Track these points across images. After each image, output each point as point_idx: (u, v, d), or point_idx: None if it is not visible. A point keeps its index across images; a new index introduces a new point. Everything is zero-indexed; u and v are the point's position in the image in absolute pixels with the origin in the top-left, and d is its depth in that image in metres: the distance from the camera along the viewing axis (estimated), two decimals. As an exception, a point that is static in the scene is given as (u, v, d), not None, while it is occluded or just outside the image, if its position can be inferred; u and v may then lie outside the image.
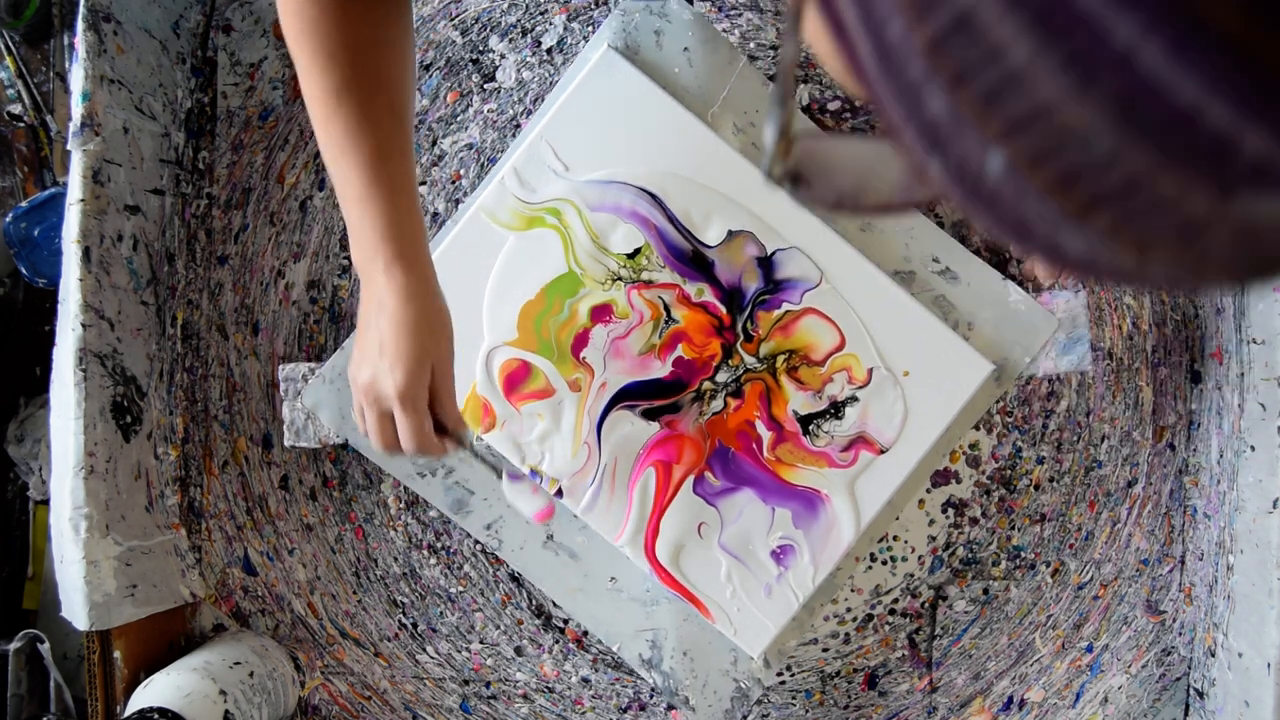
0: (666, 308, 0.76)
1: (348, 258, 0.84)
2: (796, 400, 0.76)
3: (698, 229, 0.76)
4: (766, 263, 0.76)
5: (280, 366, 0.79)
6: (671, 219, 0.76)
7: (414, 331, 0.59)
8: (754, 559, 0.76)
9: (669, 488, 0.76)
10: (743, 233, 0.76)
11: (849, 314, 0.76)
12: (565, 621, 0.84)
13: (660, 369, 0.76)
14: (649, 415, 0.76)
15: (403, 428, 0.60)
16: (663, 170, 0.75)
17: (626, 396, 0.76)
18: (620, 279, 0.76)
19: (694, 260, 0.76)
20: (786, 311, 0.76)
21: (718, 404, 0.76)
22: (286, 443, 0.79)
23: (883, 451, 0.76)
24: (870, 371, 0.76)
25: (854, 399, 0.76)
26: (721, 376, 0.76)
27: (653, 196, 0.75)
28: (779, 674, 0.83)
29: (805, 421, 0.76)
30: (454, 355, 0.62)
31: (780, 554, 0.76)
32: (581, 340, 0.76)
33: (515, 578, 0.82)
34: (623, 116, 0.75)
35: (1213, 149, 0.17)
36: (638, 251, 0.76)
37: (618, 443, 0.76)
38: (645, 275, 0.76)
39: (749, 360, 0.76)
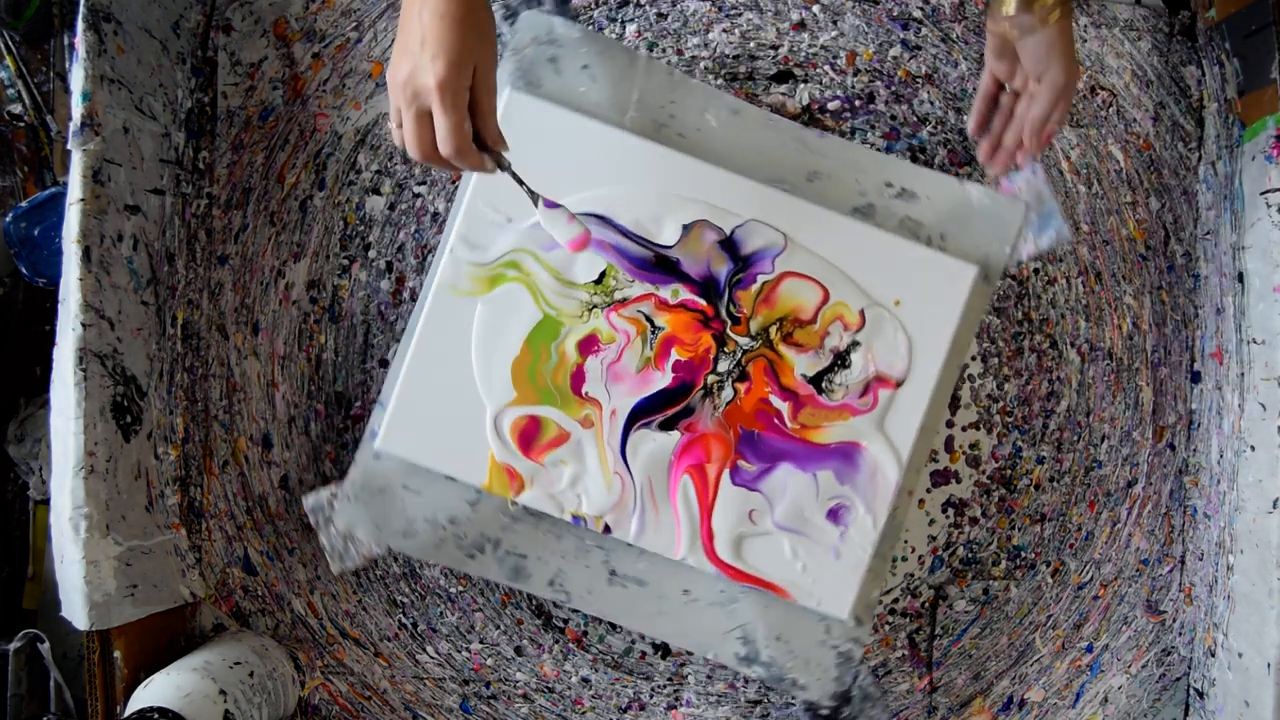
0: (648, 319, 0.76)
1: (348, 258, 0.84)
2: (800, 364, 0.76)
3: (653, 234, 0.76)
4: (729, 243, 0.76)
5: (304, 498, 0.79)
6: (625, 233, 0.76)
7: (459, 23, 0.57)
8: (812, 527, 0.76)
9: (709, 488, 0.76)
10: (696, 223, 0.76)
11: (823, 265, 0.76)
12: (565, 621, 0.84)
13: (662, 379, 0.76)
14: (666, 426, 0.76)
15: (441, 127, 0.57)
16: (602, 189, 0.76)
17: (639, 415, 0.76)
18: (595, 306, 0.76)
19: (659, 265, 0.76)
20: (763, 283, 0.76)
21: (728, 393, 0.76)
22: (335, 571, 0.79)
23: (899, 384, 0.76)
24: (862, 312, 0.76)
25: (855, 344, 0.76)
26: (722, 366, 0.76)
27: (600, 218, 0.75)
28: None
29: (816, 381, 0.76)
30: (496, 61, 0.60)
31: (835, 514, 0.76)
32: (578, 377, 0.76)
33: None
34: (547, 151, 0.75)
35: None
36: (603, 275, 0.76)
37: (646, 462, 0.76)
38: (618, 295, 0.76)
39: (743, 341, 0.76)
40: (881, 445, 0.76)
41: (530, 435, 0.76)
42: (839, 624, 0.77)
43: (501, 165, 0.63)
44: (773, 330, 0.76)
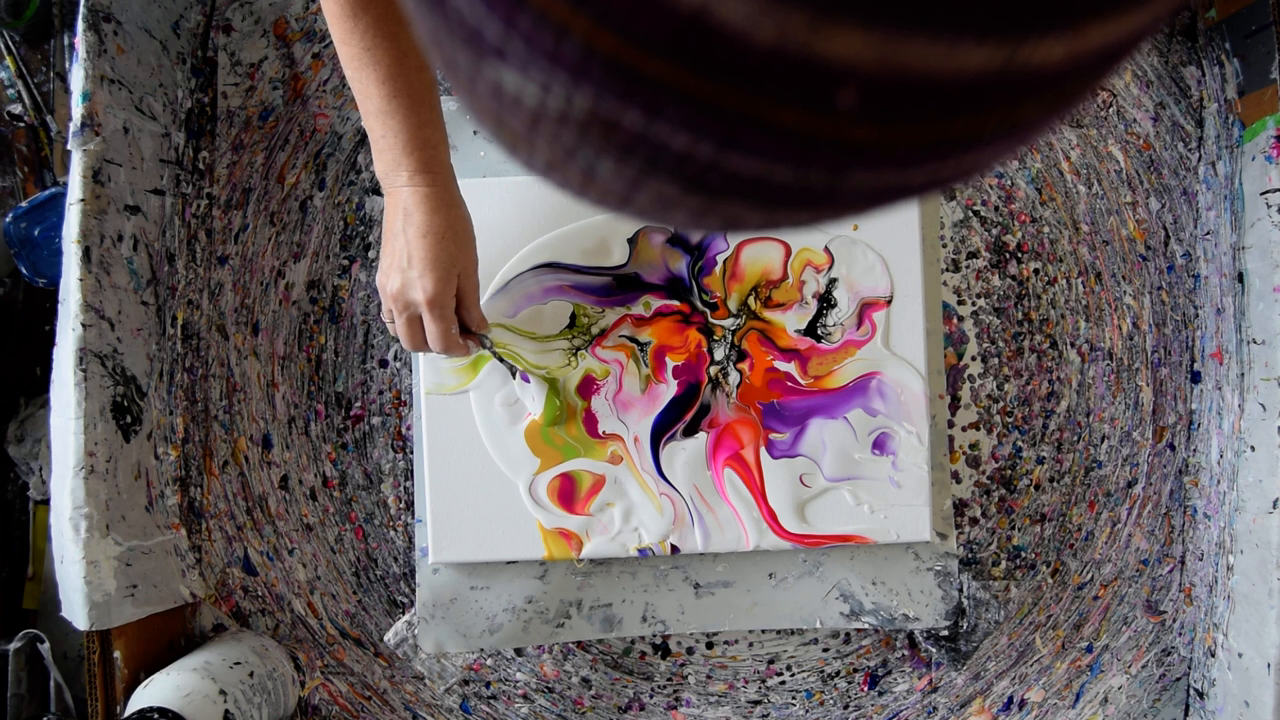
0: (633, 339, 0.76)
1: (348, 258, 0.84)
2: (790, 321, 0.77)
3: (603, 260, 0.76)
4: (677, 238, 0.77)
5: (386, 637, 0.80)
6: (577, 269, 0.76)
7: (441, 240, 0.62)
8: (863, 467, 0.76)
9: (752, 472, 0.76)
10: (639, 233, 0.76)
11: None
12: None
13: (668, 389, 0.76)
14: (690, 431, 0.76)
15: (431, 332, 0.64)
16: (537, 240, 0.76)
17: (661, 431, 0.76)
18: (579, 349, 0.76)
19: (621, 285, 0.76)
20: (724, 261, 0.77)
21: (734, 376, 0.77)
22: (440, 691, 0.82)
23: (889, 301, 0.77)
24: (827, 250, 0.77)
25: (833, 281, 0.77)
26: (719, 354, 0.77)
27: (547, 265, 0.76)
28: (781, 676, 0.83)
29: (811, 332, 0.77)
30: (477, 261, 0.66)
31: (879, 445, 0.76)
32: (590, 420, 0.76)
33: (515, 578, 0.82)
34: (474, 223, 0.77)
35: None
36: (574, 318, 0.76)
37: (685, 472, 0.76)
38: (595, 330, 0.76)
39: (728, 323, 0.77)
40: (896, 365, 0.76)
41: (568, 492, 0.76)
42: (925, 546, 0.79)
43: (485, 347, 0.70)
44: (751, 301, 0.77)
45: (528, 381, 0.75)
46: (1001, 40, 0.16)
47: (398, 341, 0.67)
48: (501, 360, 0.74)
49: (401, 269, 0.63)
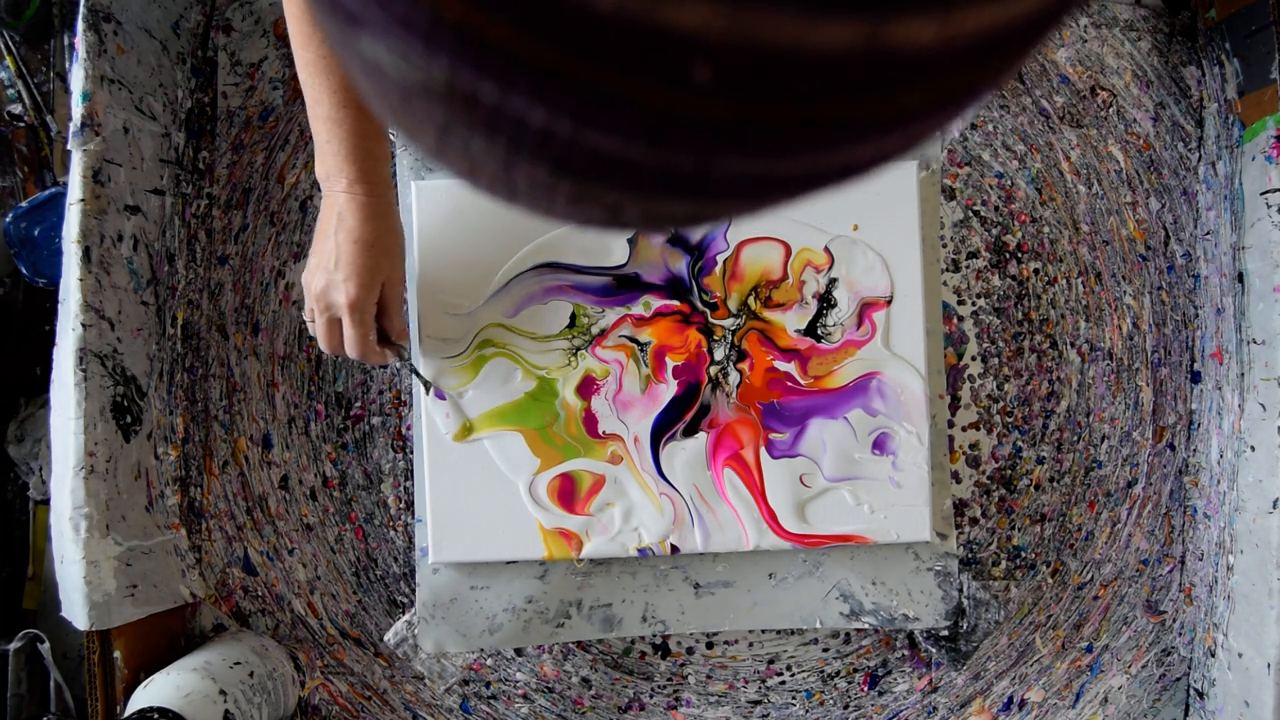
0: (633, 339, 0.76)
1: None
2: (790, 321, 0.77)
3: (602, 260, 0.76)
4: (677, 237, 0.77)
5: (386, 637, 0.80)
6: (577, 269, 0.76)
7: (370, 248, 0.63)
8: (863, 467, 0.76)
9: (752, 472, 0.76)
10: (639, 232, 0.76)
11: (772, 220, 0.76)
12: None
13: (668, 389, 0.76)
14: (690, 431, 0.76)
15: (349, 336, 0.65)
16: (535, 240, 0.76)
17: (661, 432, 0.76)
18: (579, 349, 0.76)
19: (621, 285, 0.76)
20: (724, 261, 0.77)
21: (734, 376, 0.76)
22: (440, 691, 0.82)
23: (889, 301, 0.77)
24: (827, 250, 0.76)
25: (833, 281, 0.77)
26: (719, 354, 0.77)
27: (547, 265, 0.76)
28: (781, 676, 0.83)
29: (811, 332, 0.77)
30: (404, 274, 0.66)
31: (880, 445, 0.76)
32: (590, 420, 0.76)
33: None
34: (468, 225, 0.76)
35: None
36: (574, 317, 0.76)
37: (685, 472, 0.76)
38: (595, 329, 0.76)
39: (728, 323, 0.77)
40: (896, 364, 0.76)
41: (568, 492, 0.76)
42: (925, 546, 0.78)
43: (401, 358, 0.70)
44: (751, 301, 0.77)
45: (442, 399, 0.75)
46: (863, 16, 0.15)
47: (313, 340, 0.67)
48: (415, 374, 0.75)
49: (327, 270, 0.63)
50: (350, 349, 0.66)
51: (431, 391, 0.75)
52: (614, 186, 0.20)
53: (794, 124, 0.17)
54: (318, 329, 0.66)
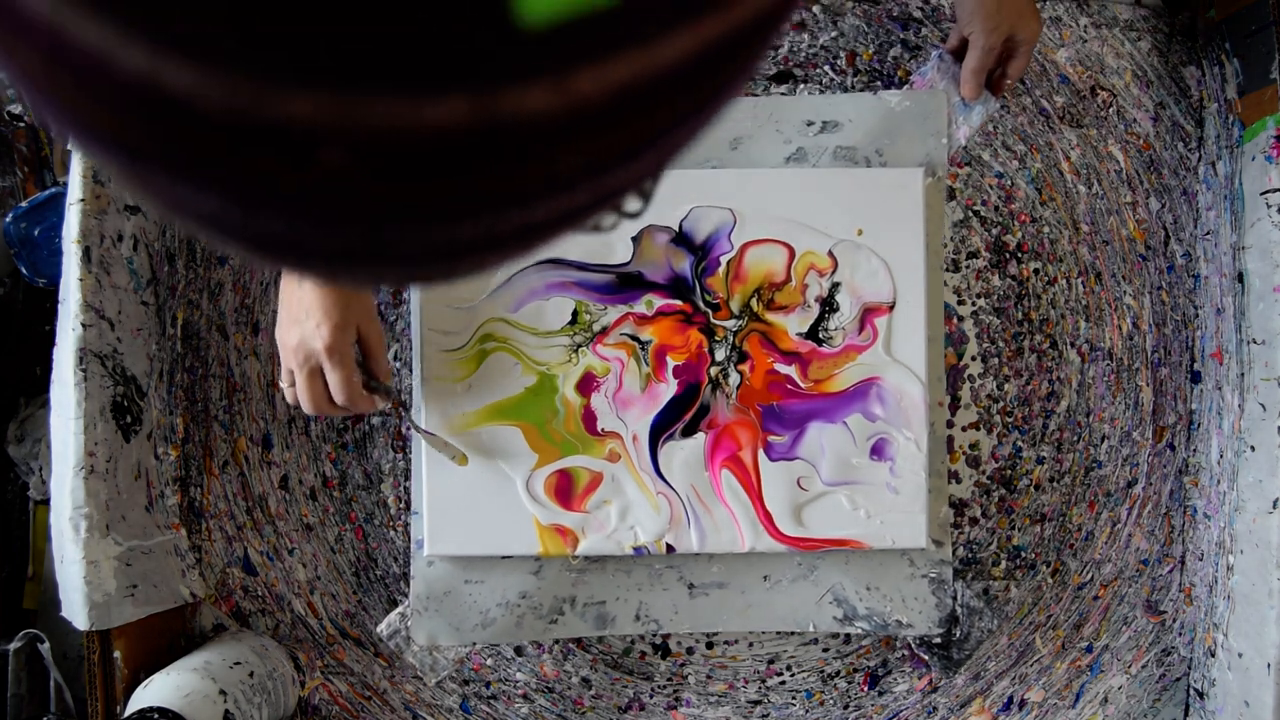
0: (634, 338, 0.76)
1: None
2: (792, 324, 0.77)
3: (606, 257, 0.76)
4: (681, 237, 0.76)
5: (378, 628, 0.80)
6: (580, 266, 0.76)
7: (337, 291, 0.63)
8: (861, 472, 0.76)
9: (750, 474, 0.76)
10: (643, 231, 0.76)
11: (777, 223, 0.76)
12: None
13: (668, 389, 0.76)
14: (689, 431, 0.76)
15: (333, 381, 0.64)
16: None
17: (660, 431, 0.76)
18: (580, 346, 0.76)
19: (624, 283, 0.76)
20: (728, 262, 0.77)
21: (734, 378, 0.76)
22: (432, 684, 0.82)
23: (891, 307, 0.76)
24: (830, 254, 0.76)
25: (836, 285, 0.77)
26: (719, 354, 0.77)
27: (550, 261, 0.76)
28: (781, 676, 0.83)
29: (812, 335, 0.77)
30: (377, 314, 0.66)
31: (879, 451, 0.76)
32: (589, 417, 0.76)
33: (515, 578, 0.82)
34: None
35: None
36: (576, 314, 0.76)
37: (683, 472, 0.76)
38: (597, 327, 0.76)
39: (730, 324, 0.77)
40: (896, 370, 0.76)
41: (565, 489, 0.76)
42: (920, 553, 0.78)
43: (389, 398, 0.69)
44: (754, 303, 0.77)
45: (428, 435, 0.75)
46: (466, 91, 0.15)
47: (297, 407, 0.66)
48: (405, 413, 0.74)
49: (299, 321, 0.63)
50: (336, 394, 0.64)
51: (422, 429, 0.75)
52: (310, 263, 0.20)
53: (443, 195, 0.17)
54: (300, 387, 0.65)
